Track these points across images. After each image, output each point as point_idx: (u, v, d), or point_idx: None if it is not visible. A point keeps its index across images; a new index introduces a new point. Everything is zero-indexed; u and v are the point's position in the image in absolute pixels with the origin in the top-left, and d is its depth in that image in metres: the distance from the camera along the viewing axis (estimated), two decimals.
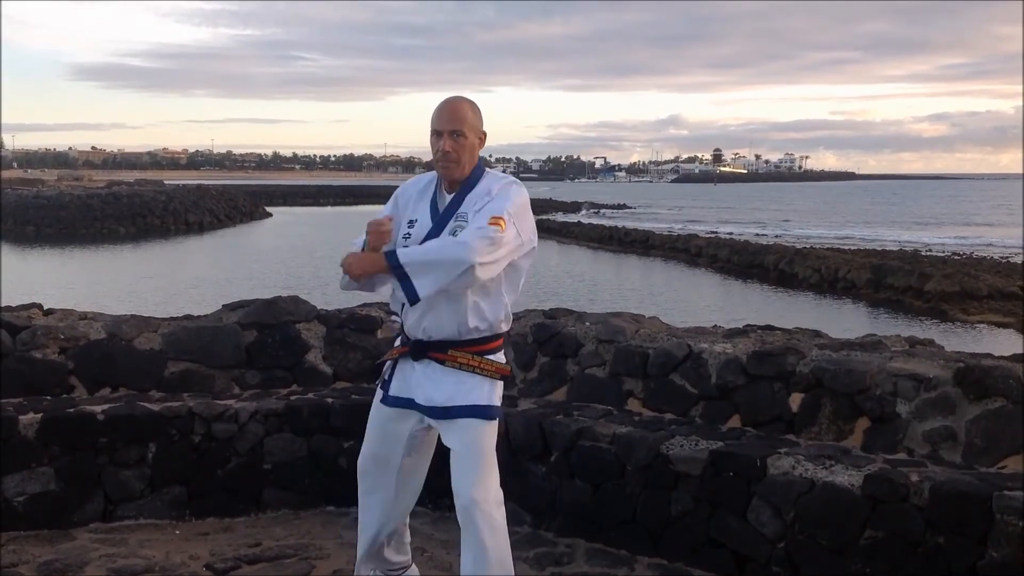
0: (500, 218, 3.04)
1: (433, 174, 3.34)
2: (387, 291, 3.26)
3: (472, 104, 3.24)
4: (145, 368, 5.53)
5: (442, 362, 3.18)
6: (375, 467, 3.38)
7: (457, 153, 3.18)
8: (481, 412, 3.16)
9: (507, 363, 3.32)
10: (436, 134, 3.19)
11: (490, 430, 3.18)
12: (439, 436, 3.33)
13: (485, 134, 3.29)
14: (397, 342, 3.37)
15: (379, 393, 3.37)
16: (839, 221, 67.38)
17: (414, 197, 3.32)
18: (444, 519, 4.82)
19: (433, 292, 3.03)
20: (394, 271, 3.04)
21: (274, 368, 5.72)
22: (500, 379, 3.22)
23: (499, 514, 3.15)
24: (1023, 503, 3.60)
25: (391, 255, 3.06)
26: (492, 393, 3.20)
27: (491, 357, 3.22)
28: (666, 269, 35.28)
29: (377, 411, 3.38)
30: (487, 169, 3.32)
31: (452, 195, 3.25)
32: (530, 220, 3.23)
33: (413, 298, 3.03)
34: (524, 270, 3.29)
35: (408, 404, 3.25)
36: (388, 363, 3.37)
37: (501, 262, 3.07)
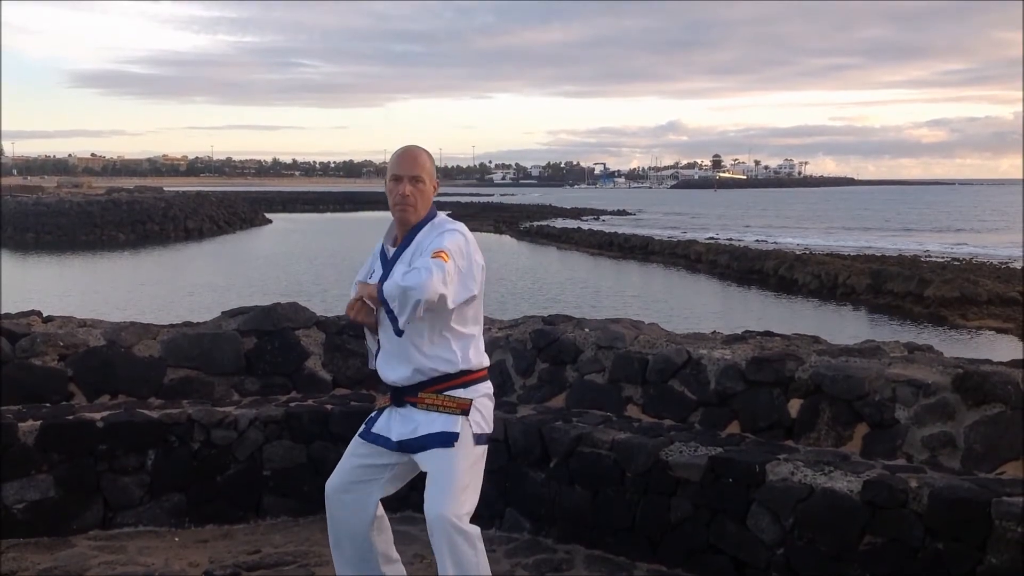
0: (441, 251, 3.17)
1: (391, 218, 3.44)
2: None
3: (428, 153, 3.44)
4: (144, 375, 5.53)
5: (415, 404, 3.37)
6: (344, 494, 3.46)
7: (415, 198, 3.34)
8: (441, 439, 3.29)
9: (483, 394, 3.42)
10: (396, 179, 3.35)
11: (459, 454, 3.27)
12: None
13: (438, 182, 3.48)
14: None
15: (361, 428, 3.52)
16: (838, 227, 67.41)
17: (378, 251, 3.48)
18: None
19: (407, 321, 3.16)
20: (383, 306, 3.19)
21: (273, 375, 5.72)
22: (460, 413, 3.33)
23: (471, 528, 3.22)
24: (1022, 509, 3.60)
25: (380, 291, 3.20)
26: (451, 424, 3.31)
27: (457, 392, 3.34)
28: (666, 275, 35.29)
29: (355, 444, 3.52)
30: (438, 213, 3.45)
31: (396, 247, 3.40)
32: (472, 260, 3.30)
33: (397, 331, 3.21)
34: (475, 302, 3.39)
35: (384, 443, 3.41)
36: (377, 411, 3.54)
37: (455, 291, 3.19)
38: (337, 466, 3.52)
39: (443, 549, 3.18)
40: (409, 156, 3.37)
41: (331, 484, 3.48)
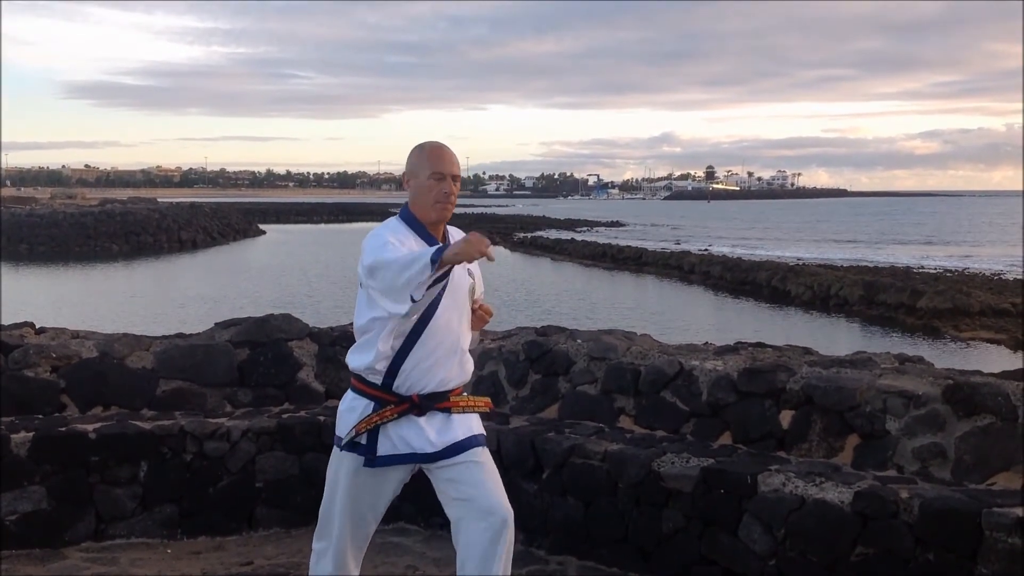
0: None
1: (394, 221, 3.31)
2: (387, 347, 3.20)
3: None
4: (137, 386, 5.53)
5: (448, 410, 3.26)
6: (354, 546, 3.38)
7: (454, 197, 3.33)
8: (483, 440, 3.32)
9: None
10: (438, 177, 3.25)
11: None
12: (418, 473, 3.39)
13: None
14: (365, 409, 3.26)
15: (355, 459, 3.28)
16: (831, 238, 67.53)
17: (410, 241, 3.24)
18: (436, 537, 4.82)
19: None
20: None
21: (266, 386, 5.72)
22: (487, 412, 3.42)
23: None
24: (1012, 520, 3.62)
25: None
26: (480, 425, 3.38)
27: (466, 394, 3.40)
28: (659, 286, 35.31)
29: (360, 477, 3.29)
30: None
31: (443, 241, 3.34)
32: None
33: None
34: None
35: (404, 459, 3.24)
36: (364, 432, 3.26)
37: None
38: (351, 513, 3.31)
39: (503, 547, 3.12)
40: (449, 154, 3.31)
41: (357, 534, 3.36)
